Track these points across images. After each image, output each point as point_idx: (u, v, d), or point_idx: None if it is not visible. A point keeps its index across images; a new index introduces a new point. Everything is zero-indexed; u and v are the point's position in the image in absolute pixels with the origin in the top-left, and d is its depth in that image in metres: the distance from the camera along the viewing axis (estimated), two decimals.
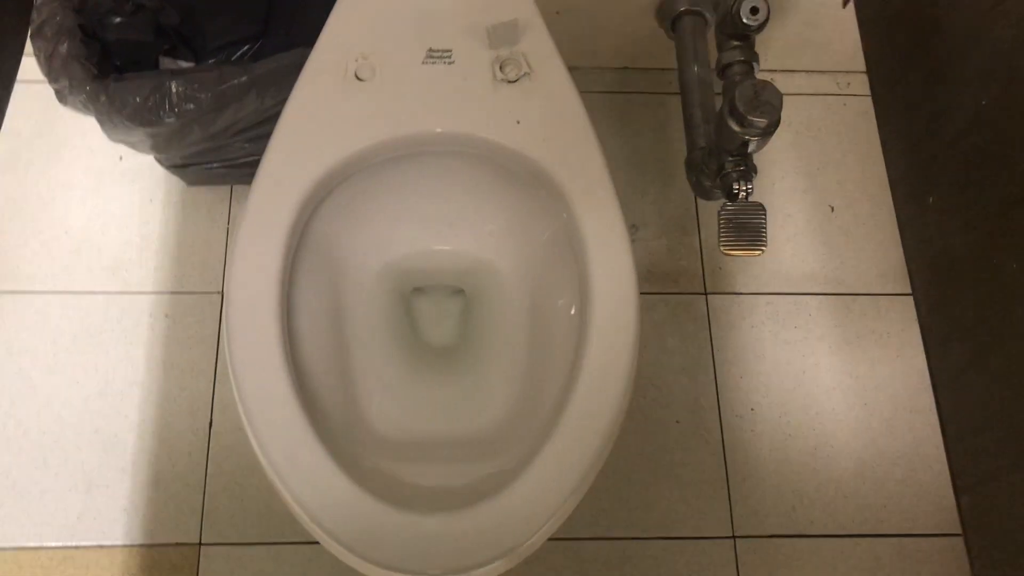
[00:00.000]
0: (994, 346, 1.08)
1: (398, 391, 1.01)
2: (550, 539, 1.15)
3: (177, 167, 1.25)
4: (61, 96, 1.04)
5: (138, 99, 1.01)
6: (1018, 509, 1.06)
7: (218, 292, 1.28)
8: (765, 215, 1.03)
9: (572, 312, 0.93)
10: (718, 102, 1.10)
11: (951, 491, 1.22)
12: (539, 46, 0.94)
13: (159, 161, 1.25)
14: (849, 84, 1.47)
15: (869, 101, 1.46)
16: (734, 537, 1.17)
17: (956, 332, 1.19)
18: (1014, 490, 1.07)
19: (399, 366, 1.04)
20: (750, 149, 1.02)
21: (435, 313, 1.10)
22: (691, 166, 1.19)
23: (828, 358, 1.28)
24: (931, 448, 1.23)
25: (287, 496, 0.76)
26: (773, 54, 1.41)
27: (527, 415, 0.94)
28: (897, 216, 1.36)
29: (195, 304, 1.27)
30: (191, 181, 1.31)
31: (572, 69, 0.93)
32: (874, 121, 1.43)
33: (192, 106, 1.02)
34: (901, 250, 1.35)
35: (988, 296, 1.09)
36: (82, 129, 1.34)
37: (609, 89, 1.45)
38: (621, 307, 0.85)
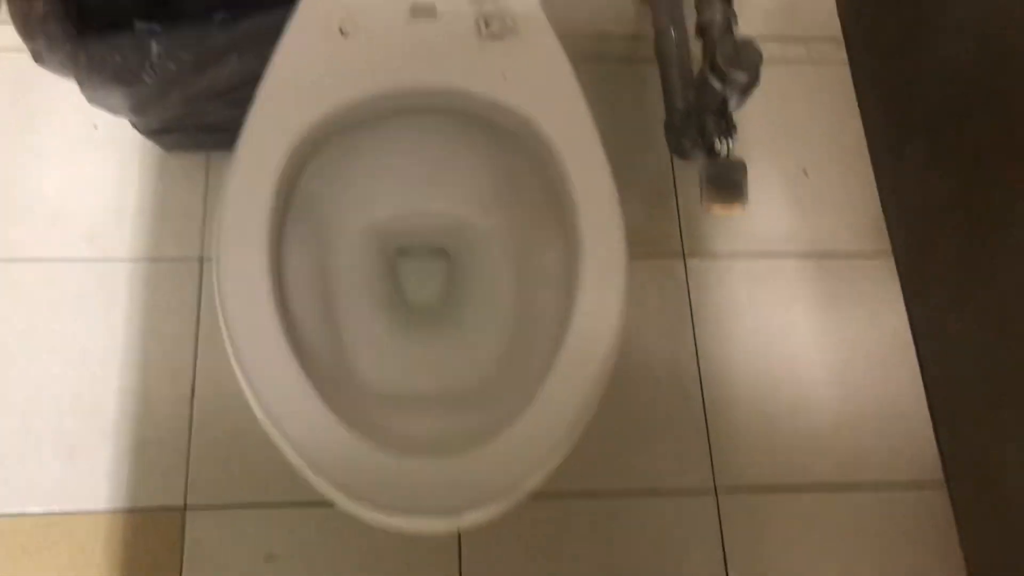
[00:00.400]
0: (973, 289, 1.11)
1: (387, 350, 1.02)
2: (537, 495, 1.17)
3: (155, 132, 1.24)
4: (38, 56, 1.03)
5: (118, 58, 1.00)
6: (996, 447, 1.10)
7: (197, 258, 1.27)
8: (746, 171, 1.05)
9: (559, 268, 0.94)
10: (695, 67, 1.12)
11: (927, 443, 1.25)
12: (524, 2, 0.94)
13: (136, 126, 1.24)
14: (821, 51, 1.49)
15: (841, 69, 1.49)
16: (716, 492, 1.20)
17: (935, 278, 1.22)
18: (992, 429, 1.10)
19: (387, 326, 1.04)
20: (730, 107, 1.04)
21: (421, 273, 1.10)
22: (670, 127, 1.20)
23: (805, 317, 1.31)
24: (907, 402, 1.26)
25: (285, 444, 0.76)
26: (745, 21, 1.42)
27: (516, 370, 0.95)
28: (874, 167, 1.39)
29: (173, 270, 1.26)
30: (169, 147, 1.30)
31: None
32: (844, 87, 1.46)
33: (173, 66, 1.02)
34: (874, 212, 1.38)
35: (966, 240, 1.12)
36: (56, 96, 1.32)
37: (585, 56, 1.45)
38: (611, 260, 0.86)
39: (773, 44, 1.49)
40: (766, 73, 1.40)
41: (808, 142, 1.44)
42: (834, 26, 1.51)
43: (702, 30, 1.13)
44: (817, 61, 1.49)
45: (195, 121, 1.19)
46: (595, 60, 1.46)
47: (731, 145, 1.05)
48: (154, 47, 1.01)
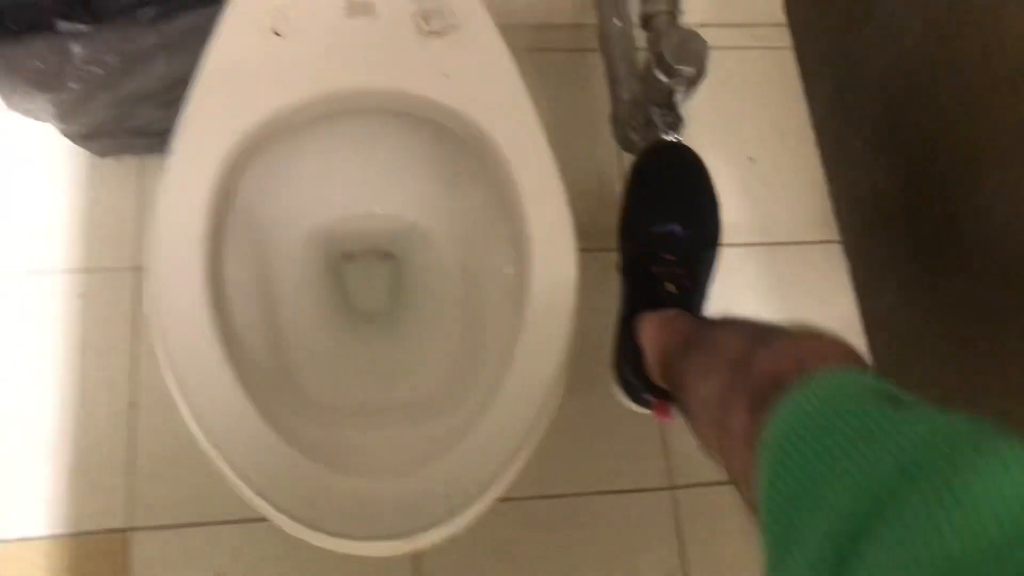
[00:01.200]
0: (924, 283, 1.11)
1: (334, 360, 0.99)
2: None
3: (83, 138, 1.18)
4: None
5: (38, 64, 0.95)
6: None
7: (132, 268, 1.22)
8: None
9: (508, 271, 0.92)
10: (640, 56, 1.10)
11: None
12: None
13: (63, 133, 1.18)
14: (764, 37, 1.48)
15: (784, 54, 1.47)
16: (673, 487, 1.19)
17: (885, 272, 1.21)
18: None
19: (333, 335, 1.01)
20: (677, 99, 1.02)
21: (366, 279, 1.07)
22: (617, 120, 1.18)
23: (755, 307, 1.30)
24: None
25: (227, 469, 0.73)
26: (689, 5, 1.41)
27: (467, 377, 0.93)
28: (823, 161, 1.38)
29: (109, 281, 1.21)
30: (100, 152, 1.24)
31: None
32: (789, 73, 1.46)
33: (97, 70, 0.97)
34: (822, 199, 1.38)
35: (916, 234, 1.11)
36: None
37: (527, 47, 1.43)
38: (561, 262, 0.84)
39: (717, 30, 1.47)
40: (711, 60, 1.38)
41: (754, 129, 1.43)
42: (778, 12, 1.50)
43: (646, 20, 1.11)
44: (762, 47, 1.48)
45: (125, 125, 1.14)
46: (538, 50, 1.43)
47: (678, 138, 1.03)
48: (76, 50, 0.96)
